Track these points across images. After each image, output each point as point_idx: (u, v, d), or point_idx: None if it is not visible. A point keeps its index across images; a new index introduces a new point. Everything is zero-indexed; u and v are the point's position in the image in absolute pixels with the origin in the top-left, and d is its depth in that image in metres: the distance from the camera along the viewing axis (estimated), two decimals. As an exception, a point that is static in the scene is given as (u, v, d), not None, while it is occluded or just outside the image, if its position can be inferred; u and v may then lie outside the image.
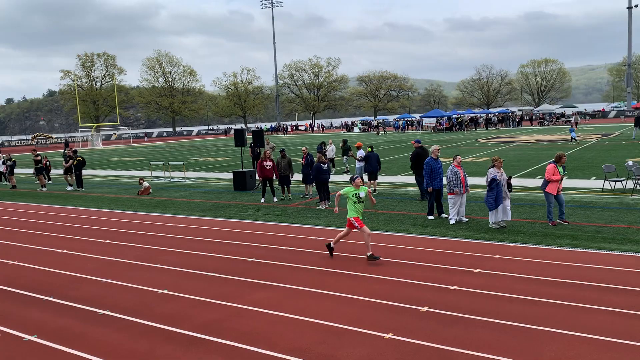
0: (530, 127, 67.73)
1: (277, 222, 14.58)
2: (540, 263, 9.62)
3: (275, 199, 18.11)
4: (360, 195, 10.34)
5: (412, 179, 19.51)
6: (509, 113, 79.63)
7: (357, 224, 10.22)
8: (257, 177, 20.02)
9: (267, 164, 17.95)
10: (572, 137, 38.26)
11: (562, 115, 74.91)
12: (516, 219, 13.19)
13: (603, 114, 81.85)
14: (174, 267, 10.51)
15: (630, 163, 17.37)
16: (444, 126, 68.38)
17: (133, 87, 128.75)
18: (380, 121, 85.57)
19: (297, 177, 20.43)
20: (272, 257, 10.90)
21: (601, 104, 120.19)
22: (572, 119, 57.91)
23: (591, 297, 7.80)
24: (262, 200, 18.08)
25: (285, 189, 18.46)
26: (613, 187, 16.77)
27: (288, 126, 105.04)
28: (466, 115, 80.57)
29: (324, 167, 16.44)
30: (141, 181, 22.46)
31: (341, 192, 10.41)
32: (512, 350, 6.19)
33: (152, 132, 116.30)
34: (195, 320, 7.59)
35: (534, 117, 77.42)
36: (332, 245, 10.72)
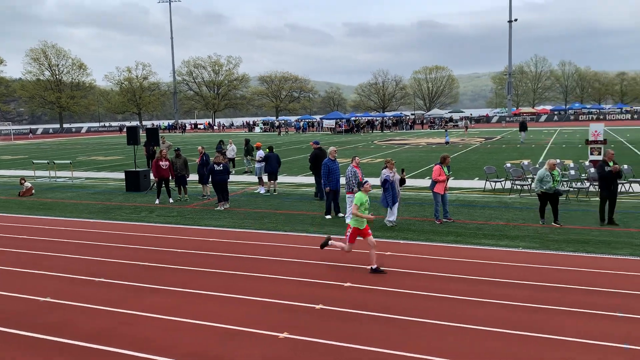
0: (422, 130, 71.51)
1: (173, 224, 14.17)
2: (428, 259, 10.23)
3: (171, 200, 17.59)
4: (368, 202, 9.70)
5: (311, 179, 19.84)
6: (402, 117, 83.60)
7: (349, 235, 9.50)
8: (152, 177, 19.31)
9: (163, 164, 17.38)
10: (446, 141, 41.23)
11: (451, 119, 79.91)
12: (407, 217, 13.90)
13: (487, 119, 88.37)
14: (59, 273, 9.86)
15: (508, 165, 18.96)
16: (343, 128, 70.19)
17: (14, 80, 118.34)
18: (282, 122, 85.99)
19: (194, 177, 19.99)
20: (167, 260, 10.59)
21: (485, 109, 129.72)
22: (462, 123, 62.32)
23: (475, 290, 8.43)
24: (157, 202, 17.47)
25: (182, 189, 18.01)
26: (493, 187, 18.21)
27: (187, 124, 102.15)
28: (364, 118, 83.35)
29: (218, 167, 16.14)
30: (22, 181, 20.75)
31: (355, 202, 9.43)
32: (401, 344, 6.54)
33: (37, 129, 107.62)
34: (84, 329, 7.18)
35: (425, 121, 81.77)
36: (374, 267, 9.40)
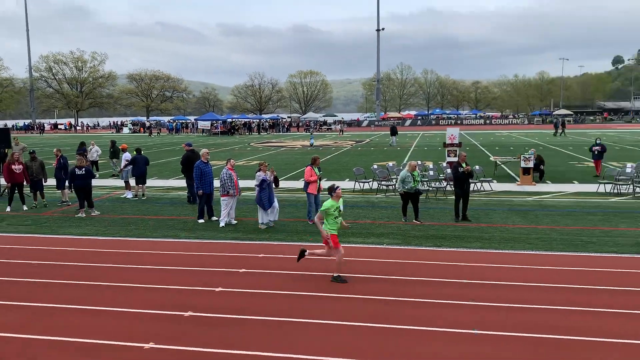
0: (298, 133, 72.79)
1: (27, 234, 12.93)
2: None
3: (25, 207, 16.02)
4: (341, 208, 9.18)
5: (183, 183, 19.25)
6: (279, 119, 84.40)
7: (332, 243, 8.89)
8: (2, 183, 17.46)
9: (17, 168, 15.80)
10: (310, 144, 42.60)
11: (325, 122, 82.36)
12: (281, 219, 14.04)
13: (358, 123, 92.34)
14: None
15: (375, 167, 19.96)
16: (219, 130, 69.11)
17: None
18: (153, 122, 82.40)
19: (53, 181, 18.41)
20: (17, 273, 9.63)
21: (357, 114, 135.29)
22: (338, 126, 65.06)
23: (338, 286, 8.72)
24: (9, 209, 15.82)
25: (38, 195, 16.49)
26: (362, 188, 19.06)
27: (45, 124, 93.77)
28: (240, 120, 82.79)
29: (80, 171, 14.99)
30: None
31: (322, 209, 8.98)
32: (277, 345, 6.58)
33: None
34: None
35: (300, 124, 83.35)
36: (336, 275, 9.00)
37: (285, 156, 34.54)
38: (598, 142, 22.05)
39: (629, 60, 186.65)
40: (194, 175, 14.26)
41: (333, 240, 8.88)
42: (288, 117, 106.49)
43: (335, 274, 8.97)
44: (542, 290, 8.41)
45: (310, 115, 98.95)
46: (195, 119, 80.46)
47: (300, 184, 20.48)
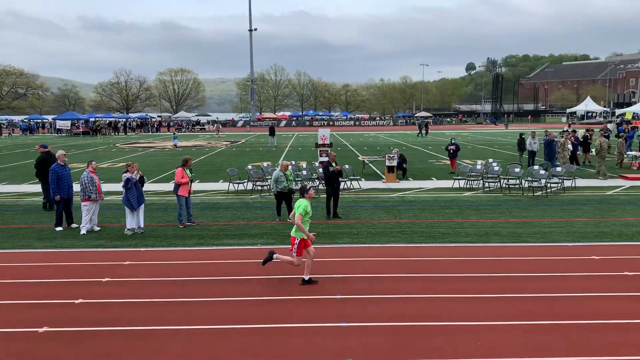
0: (168, 132, 70.16)
1: None
2: (170, 264, 10.06)
3: None
4: (309, 210, 8.86)
5: (38, 187, 17.66)
6: (148, 119, 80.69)
7: (296, 248, 8.64)
8: None
9: None
10: (174, 144, 41.65)
11: (198, 122, 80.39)
12: (149, 223, 13.45)
13: (233, 123, 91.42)
14: None
15: (249, 167, 19.90)
16: (81, 130, 64.35)
17: None
18: (4, 122, 74.44)
19: None
20: None
21: (232, 113, 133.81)
22: (214, 126, 64.04)
23: (212, 291, 8.58)
24: None
25: None
26: (237, 189, 18.91)
27: None
28: (104, 119, 77.79)
29: None
30: None
31: (298, 212, 8.60)
32: (139, 355, 6.28)
33: None
34: None
35: (172, 124, 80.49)
36: (306, 278, 8.79)
37: (154, 157, 33.14)
38: (453, 141, 24.06)
39: (480, 67, 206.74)
40: (49, 180, 13.14)
41: (299, 245, 8.70)
42: (158, 116, 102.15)
43: (306, 277, 8.81)
44: (402, 280, 8.97)
45: (182, 114, 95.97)
46: (53, 119, 74.02)
47: (170, 186, 19.78)
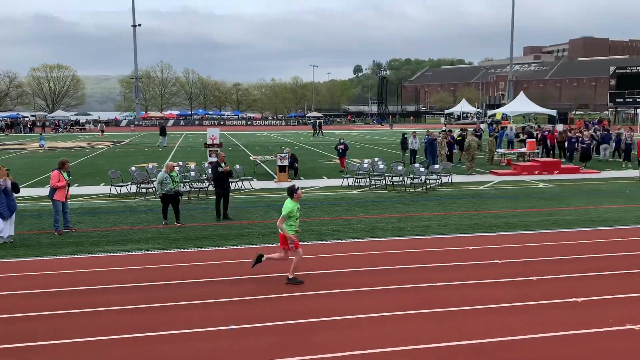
0: (45, 133, 64.84)
1: None
2: (44, 275, 9.34)
3: None
4: (296, 212, 8.83)
5: None
6: (20, 118, 74.12)
7: (294, 244, 8.69)
8: None
9: None
10: (41, 145, 39.10)
11: (77, 122, 75.26)
12: (21, 231, 12.37)
13: (116, 123, 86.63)
14: None
15: (133, 169, 18.99)
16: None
17: None
18: None
19: None
20: None
21: (115, 112, 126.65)
22: (99, 126, 60.88)
23: (93, 300, 8.09)
24: None
25: None
26: (119, 192, 17.95)
27: None
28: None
29: None
30: None
31: (284, 213, 8.64)
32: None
33: None
34: None
35: (47, 124, 74.53)
36: (290, 276, 8.81)
37: (27, 160, 30.50)
38: (342, 141, 24.75)
39: (366, 69, 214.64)
40: None
41: (295, 243, 8.76)
42: (32, 115, 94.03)
43: (290, 276, 8.79)
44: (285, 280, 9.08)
45: (59, 113, 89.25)
46: None
47: (45, 190, 18.33)
